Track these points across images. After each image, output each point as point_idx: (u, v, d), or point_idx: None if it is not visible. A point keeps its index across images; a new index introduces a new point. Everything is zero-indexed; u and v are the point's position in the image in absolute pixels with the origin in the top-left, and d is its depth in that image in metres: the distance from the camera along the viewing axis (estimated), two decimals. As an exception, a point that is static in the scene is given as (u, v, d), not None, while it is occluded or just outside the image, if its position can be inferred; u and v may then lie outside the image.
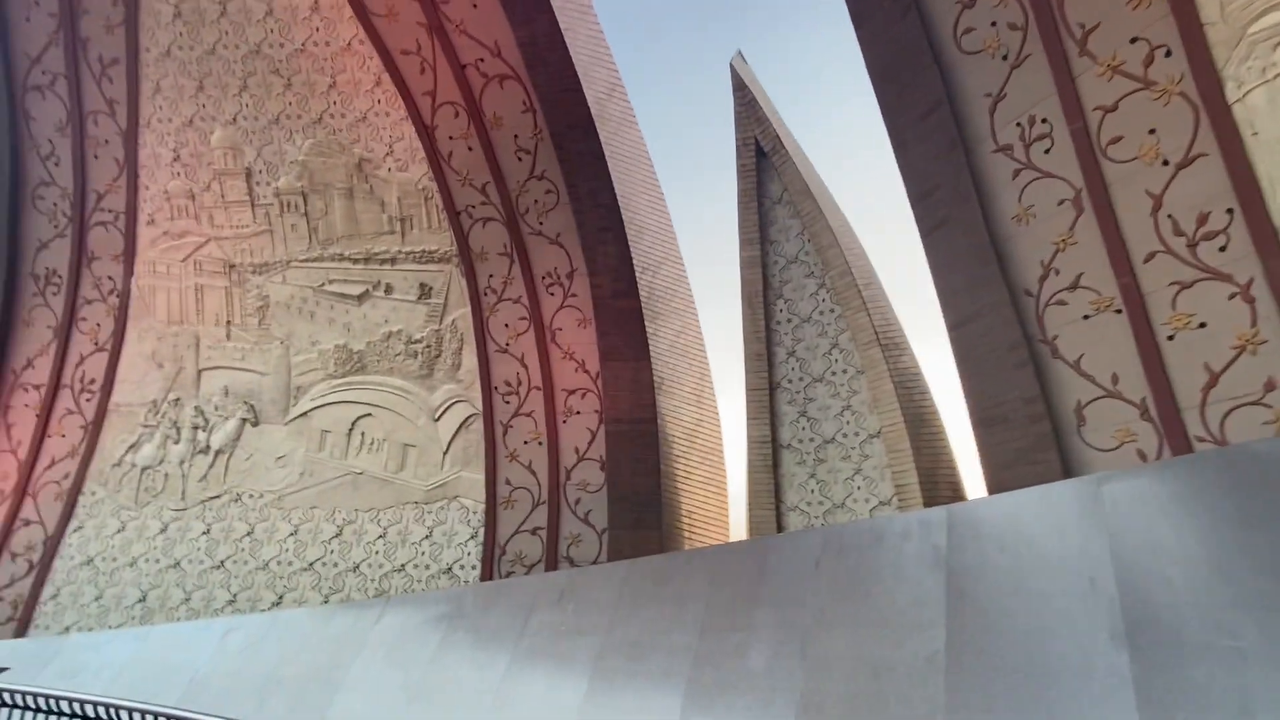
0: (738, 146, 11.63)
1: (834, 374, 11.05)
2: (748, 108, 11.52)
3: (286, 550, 11.52)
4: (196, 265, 13.05)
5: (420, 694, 7.15)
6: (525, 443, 11.44)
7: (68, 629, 11.05)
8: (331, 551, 11.40)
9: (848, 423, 10.79)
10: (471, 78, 11.37)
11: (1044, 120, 7.07)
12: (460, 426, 11.69)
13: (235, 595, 11.28)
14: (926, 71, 8.08)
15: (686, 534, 11.26)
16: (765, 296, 11.57)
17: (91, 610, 11.32)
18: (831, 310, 11.18)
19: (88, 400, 12.89)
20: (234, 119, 12.38)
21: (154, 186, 12.89)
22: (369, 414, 12.14)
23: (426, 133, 11.74)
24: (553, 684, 6.31)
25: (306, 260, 12.74)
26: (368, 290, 12.46)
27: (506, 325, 11.74)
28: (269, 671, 8.14)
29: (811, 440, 10.95)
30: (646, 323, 11.34)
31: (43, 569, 11.66)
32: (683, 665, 5.62)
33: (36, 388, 12.82)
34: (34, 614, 11.32)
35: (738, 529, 12.84)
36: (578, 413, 11.51)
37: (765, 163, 11.70)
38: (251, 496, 12.09)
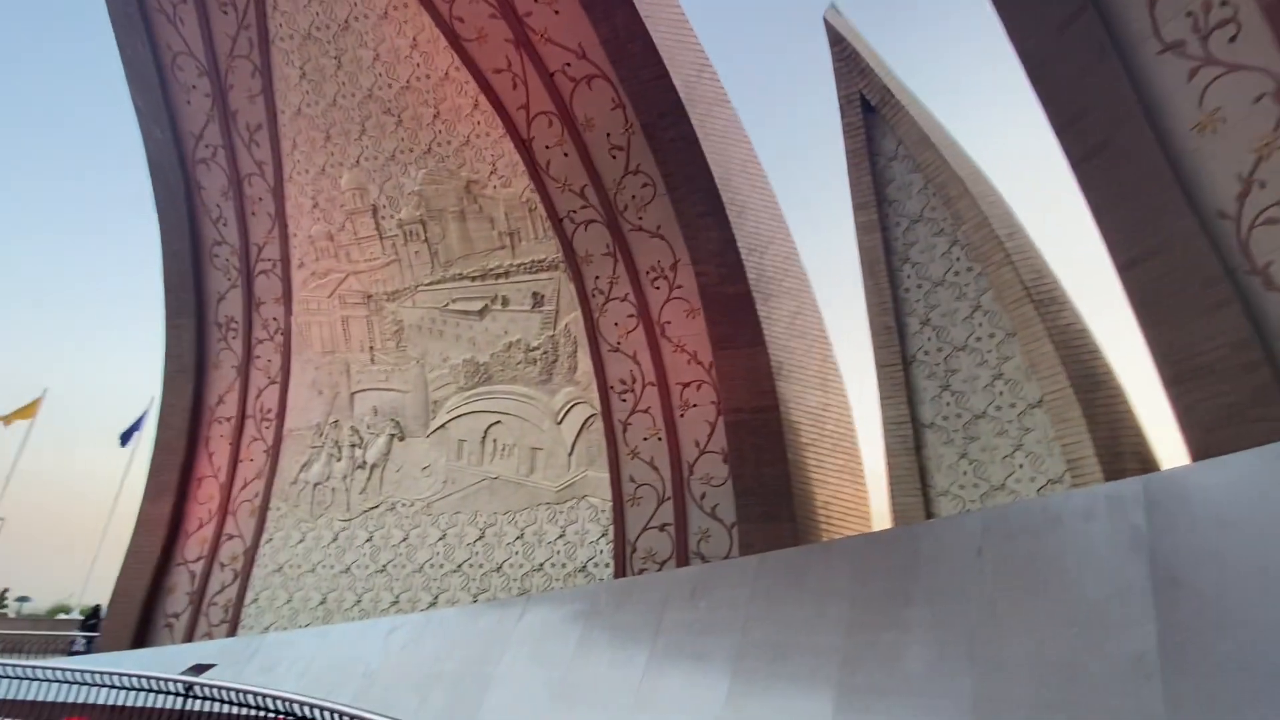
0: (841, 104, 10.79)
1: (979, 340, 9.88)
2: (848, 61, 10.65)
3: (437, 554, 12.34)
4: (340, 299, 14.41)
5: (563, 692, 7.24)
6: (645, 439, 11.37)
7: (267, 628, 12.62)
8: (476, 554, 12.04)
9: (1000, 394, 9.60)
10: (560, 84, 11.52)
11: (1224, 3, 5.78)
12: (582, 427, 11.89)
13: (397, 597, 12.26)
14: (1061, -26, 6.95)
15: (823, 526, 10.61)
16: (889, 263, 10.62)
17: (284, 612, 12.84)
18: (969, 269, 10.02)
19: (267, 427, 14.67)
20: (357, 161, 13.52)
21: (300, 233, 14.41)
22: (499, 421, 12.70)
23: (524, 146, 12.08)
24: (691, 684, 6.09)
25: (431, 283, 13.62)
26: (486, 305, 13.06)
27: (616, 324, 11.76)
28: (428, 667, 8.69)
29: (959, 416, 9.87)
30: (758, 306, 10.85)
31: (244, 577, 13.42)
32: (829, 667, 5.16)
33: (227, 420, 14.79)
34: (240, 616, 13.06)
35: (880, 519, 11.92)
36: (694, 405, 11.25)
37: (874, 118, 10.76)
38: (404, 505, 13.10)
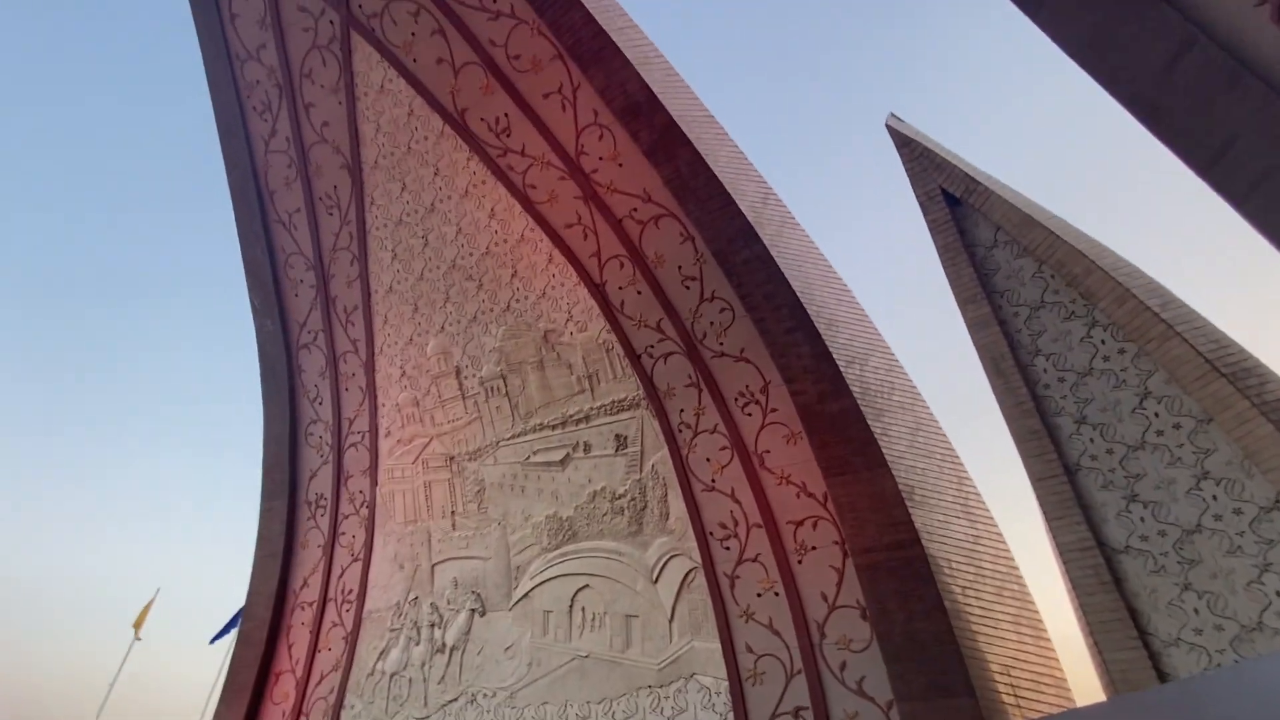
0: (922, 204, 10.19)
1: (1159, 434, 7.95)
2: (921, 160, 10.24)
3: (523, 759, 10.30)
4: (424, 464, 14.11)
5: None
6: (759, 595, 9.53)
7: None
8: (568, 757, 9.93)
9: (1213, 498, 7.42)
10: (629, 228, 11.72)
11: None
12: (681, 585, 10.21)
13: (477, 818, 10.09)
14: (1153, 13, 6.33)
15: (1007, 698, 8.04)
16: (1016, 358, 9.16)
17: (349, 842, 10.81)
18: (1121, 351, 8.41)
19: (347, 611, 13.75)
20: (442, 327, 13.99)
21: (388, 403, 14.67)
22: (586, 585, 11.24)
23: (598, 290, 12.08)
24: None
25: (512, 437, 13.14)
26: (568, 454, 12.30)
27: (708, 459, 10.57)
28: None
29: (1163, 535, 7.63)
30: (869, 423, 9.44)
31: (311, 795, 11.66)
32: None
33: (309, 605, 14.05)
34: None
35: (1083, 692, 9.00)
36: (813, 548, 9.48)
37: (961, 209, 10.03)
38: (485, 696, 11.36)
